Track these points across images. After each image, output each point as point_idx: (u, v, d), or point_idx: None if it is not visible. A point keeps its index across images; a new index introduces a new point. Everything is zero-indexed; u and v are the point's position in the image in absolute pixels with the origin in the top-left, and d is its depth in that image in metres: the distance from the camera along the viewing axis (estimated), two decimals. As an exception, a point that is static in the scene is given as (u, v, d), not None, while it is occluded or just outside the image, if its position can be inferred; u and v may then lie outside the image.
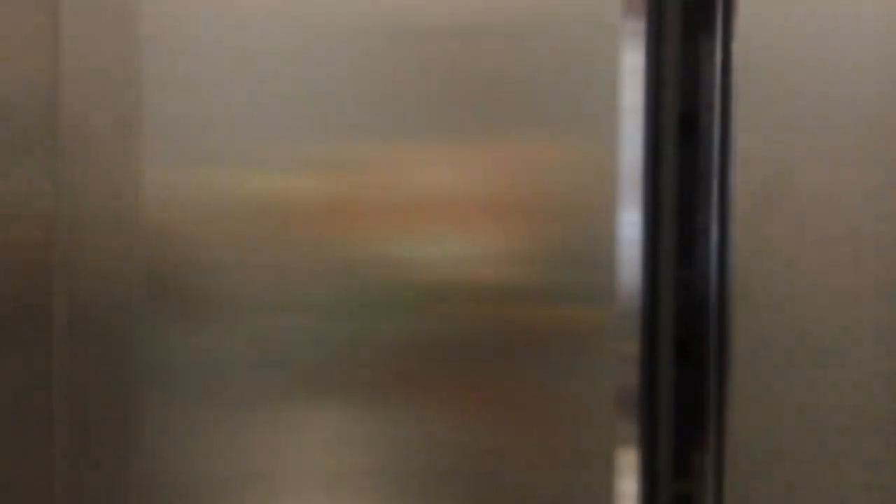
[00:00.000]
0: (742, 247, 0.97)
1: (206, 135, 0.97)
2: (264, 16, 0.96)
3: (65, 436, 0.98)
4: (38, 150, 0.97)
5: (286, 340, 0.98)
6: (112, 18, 0.96)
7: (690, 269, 1.00)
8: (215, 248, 0.97)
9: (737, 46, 0.95)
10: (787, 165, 0.96)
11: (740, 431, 0.98)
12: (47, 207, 0.97)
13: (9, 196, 0.97)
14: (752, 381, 0.98)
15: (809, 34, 0.94)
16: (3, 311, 0.97)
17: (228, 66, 0.96)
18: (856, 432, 0.97)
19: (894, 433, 0.97)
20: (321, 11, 0.95)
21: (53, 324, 0.97)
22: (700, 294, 1.00)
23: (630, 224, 0.96)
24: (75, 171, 0.96)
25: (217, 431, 0.98)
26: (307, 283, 0.97)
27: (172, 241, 0.97)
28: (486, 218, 0.96)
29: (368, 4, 0.95)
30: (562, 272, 0.95)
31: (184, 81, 0.96)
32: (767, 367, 0.98)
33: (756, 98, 0.95)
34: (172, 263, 0.97)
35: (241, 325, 0.98)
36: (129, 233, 0.97)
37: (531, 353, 0.96)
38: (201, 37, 0.96)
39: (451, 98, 0.95)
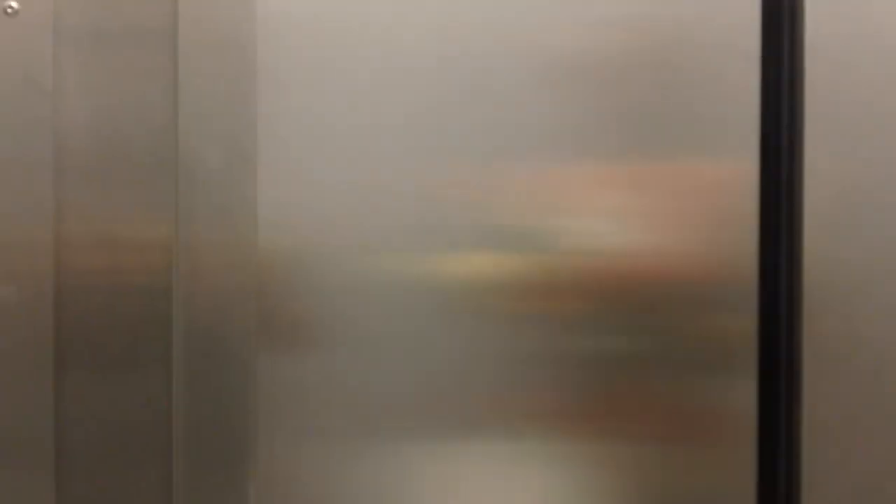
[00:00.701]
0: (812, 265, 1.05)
1: (319, 166, 1.02)
2: (379, 48, 1.02)
3: (182, 457, 1.01)
4: (158, 183, 1.01)
5: (393, 370, 1.03)
6: (228, 55, 1.01)
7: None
8: (328, 277, 1.02)
9: (807, 65, 1.04)
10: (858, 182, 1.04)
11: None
12: (167, 236, 1.01)
13: (132, 225, 1.01)
14: (822, 400, 1.05)
15: (877, 49, 1.03)
16: (125, 334, 1.01)
17: (342, 99, 1.02)
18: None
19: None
20: (454, 43, 1.02)
21: (172, 347, 1.01)
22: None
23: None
24: (194, 202, 1.01)
25: (326, 459, 1.03)
26: (418, 314, 1.03)
27: (286, 270, 1.02)
28: (640, 234, 1.03)
29: (518, 42, 1.02)
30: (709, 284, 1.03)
31: (298, 115, 1.02)
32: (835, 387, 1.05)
33: (826, 115, 1.04)
34: (286, 292, 1.02)
35: (352, 354, 1.02)
36: (244, 262, 1.01)
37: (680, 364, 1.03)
38: (316, 71, 1.02)
39: (604, 125, 1.02)
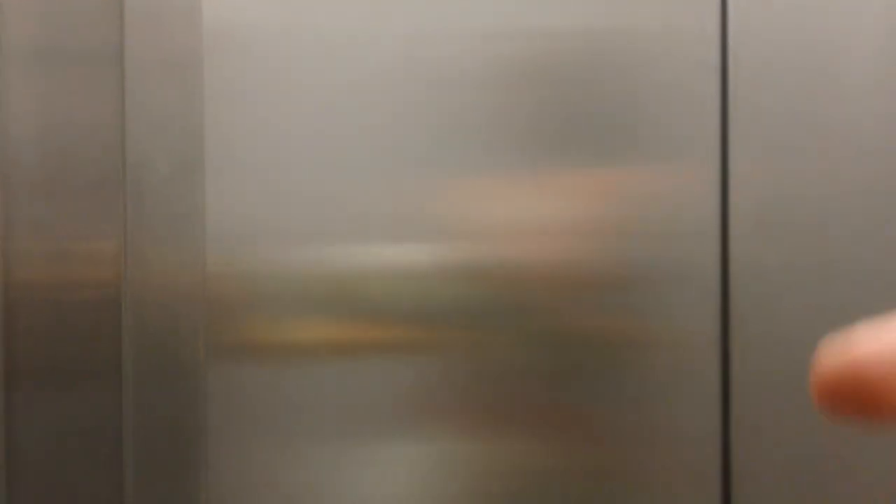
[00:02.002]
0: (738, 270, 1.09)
1: (266, 176, 1.05)
2: (321, 60, 1.05)
3: (132, 466, 1.02)
4: (106, 194, 1.03)
5: (344, 383, 1.05)
6: (175, 68, 1.03)
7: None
8: (275, 286, 1.04)
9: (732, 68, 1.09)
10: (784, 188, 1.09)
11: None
12: (116, 247, 1.03)
13: (80, 237, 1.03)
14: (751, 409, 1.09)
15: (804, 57, 1.08)
16: (74, 345, 1.02)
17: (286, 109, 1.05)
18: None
19: None
20: (416, 53, 1.05)
21: (123, 358, 1.02)
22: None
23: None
24: (142, 212, 1.03)
25: (274, 465, 1.04)
26: (368, 322, 1.05)
27: (234, 279, 1.04)
28: (594, 241, 1.06)
29: (474, 48, 1.06)
30: (668, 291, 1.06)
31: (244, 126, 1.04)
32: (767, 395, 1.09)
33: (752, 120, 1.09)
34: (234, 301, 1.04)
35: (300, 365, 1.04)
36: (194, 271, 1.03)
37: (637, 372, 1.06)
38: (261, 83, 1.05)
39: (564, 132, 1.05)
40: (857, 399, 0.31)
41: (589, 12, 1.07)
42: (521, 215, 1.07)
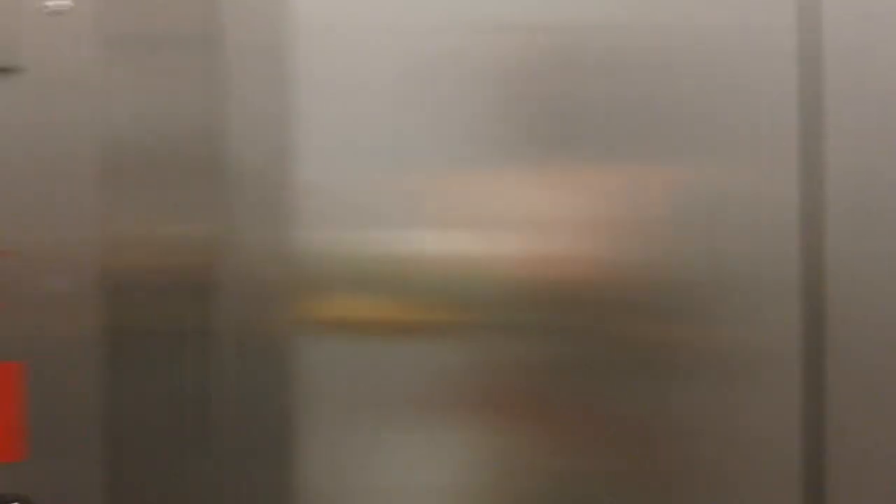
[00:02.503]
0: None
1: (352, 164, 1.06)
2: (403, 56, 1.06)
3: (222, 445, 1.05)
4: (200, 179, 1.05)
5: (428, 362, 1.07)
6: (268, 57, 1.05)
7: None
8: (358, 269, 1.06)
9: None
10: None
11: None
12: (210, 230, 1.05)
13: (176, 221, 1.04)
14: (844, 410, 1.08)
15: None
16: (169, 326, 1.04)
17: (368, 102, 1.06)
18: None
19: None
20: (481, 49, 1.07)
21: (215, 339, 1.04)
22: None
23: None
24: (234, 197, 1.05)
25: (359, 443, 1.06)
26: (453, 304, 1.07)
27: (321, 261, 1.06)
28: (664, 237, 1.07)
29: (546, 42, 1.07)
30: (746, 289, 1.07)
31: (333, 116, 1.06)
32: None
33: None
34: (321, 282, 1.06)
35: (389, 346, 1.06)
36: (283, 253, 1.05)
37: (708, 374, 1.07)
38: (347, 77, 1.06)
39: (637, 126, 1.06)
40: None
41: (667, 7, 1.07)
42: (590, 209, 1.07)
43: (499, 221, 1.07)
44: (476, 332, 1.07)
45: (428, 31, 1.06)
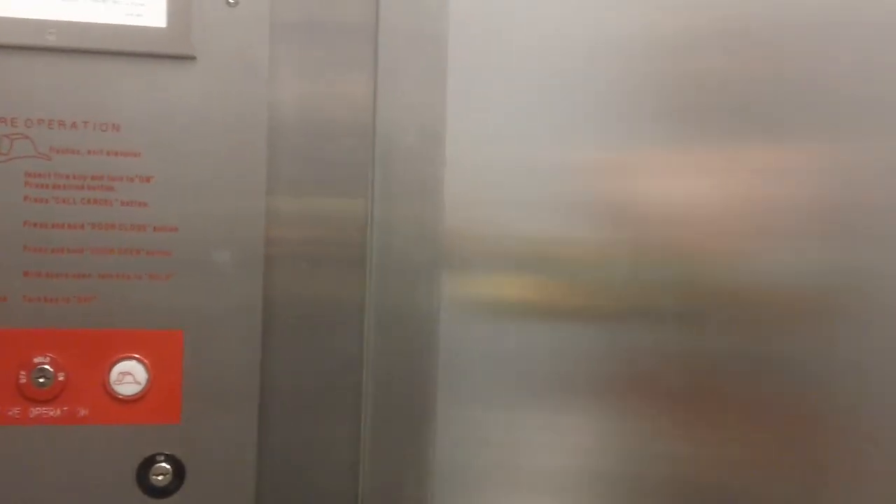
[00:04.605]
0: None
1: (501, 144, 1.12)
2: (546, 46, 1.13)
3: (370, 418, 1.11)
4: (356, 163, 1.11)
5: (573, 348, 1.12)
6: (423, 44, 1.11)
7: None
8: (504, 249, 1.12)
9: None
10: None
11: None
12: (363, 208, 1.11)
13: (331, 201, 1.11)
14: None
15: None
16: (322, 302, 1.10)
17: (517, 85, 1.13)
18: None
19: None
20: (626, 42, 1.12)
21: (365, 315, 1.11)
22: None
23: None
24: (387, 177, 1.11)
25: (500, 420, 1.12)
26: (598, 288, 1.13)
27: (469, 241, 1.12)
28: (808, 227, 1.12)
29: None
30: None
31: (482, 97, 1.12)
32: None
33: None
34: (471, 264, 1.12)
35: (518, 323, 1.12)
36: (433, 234, 1.11)
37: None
38: (497, 60, 1.12)
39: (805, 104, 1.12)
40: None
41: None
42: (756, 194, 1.13)
43: (653, 206, 1.12)
44: (621, 317, 1.12)
45: (585, 12, 1.12)
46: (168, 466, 1.07)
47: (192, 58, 1.07)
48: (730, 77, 1.11)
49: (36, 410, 1.06)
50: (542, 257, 1.12)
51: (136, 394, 1.07)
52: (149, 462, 1.07)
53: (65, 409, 1.06)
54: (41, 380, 1.06)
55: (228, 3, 1.08)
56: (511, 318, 1.12)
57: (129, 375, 1.07)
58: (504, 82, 1.12)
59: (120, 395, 1.07)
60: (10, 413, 1.05)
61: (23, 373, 1.05)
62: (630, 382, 1.12)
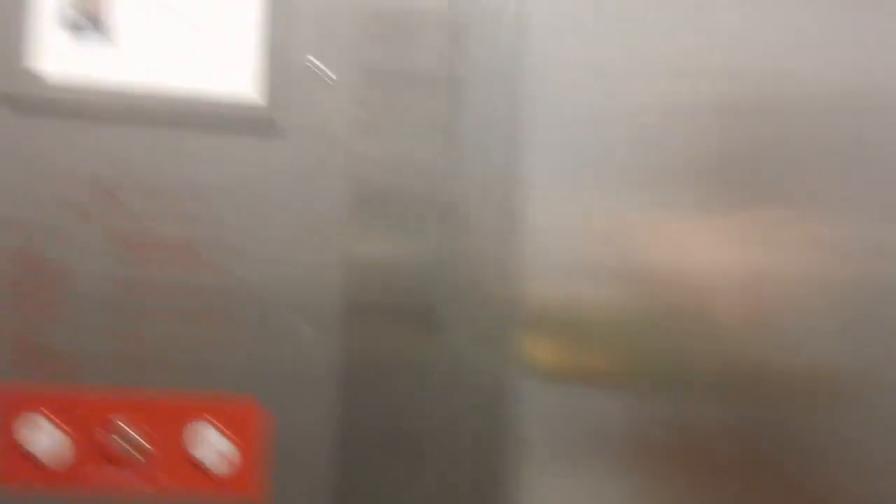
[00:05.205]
0: None
1: (576, 196, 1.13)
2: (619, 89, 1.15)
3: (439, 478, 1.12)
4: (433, 217, 1.13)
5: (641, 413, 1.14)
6: (503, 102, 1.13)
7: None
8: (584, 308, 1.13)
9: None
10: None
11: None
12: (433, 255, 1.12)
13: (399, 258, 1.12)
14: None
15: None
16: (390, 364, 1.12)
17: (597, 132, 1.13)
18: None
19: None
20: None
21: (435, 378, 1.12)
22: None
23: None
24: (465, 239, 1.12)
25: (571, 490, 1.14)
26: (668, 357, 1.14)
27: (547, 307, 1.13)
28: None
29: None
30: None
31: (555, 141, 1.13)
32: None
33: None
34: (547, 319, 1.12)
35: (606, 393, 1.13)
36: (508, 296, 1.12)
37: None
38: (573, 118, 1.14)
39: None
40: None
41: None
42: (815, 265, 1.14)
43: (720, 273, 1.13)
44: (692, 389, 1.15)
45: (658, 73, 1.13)
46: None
47: (284, 132, 1.09)
48: (773, 148, 1.14)
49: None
50: (615, 324, 1.13)
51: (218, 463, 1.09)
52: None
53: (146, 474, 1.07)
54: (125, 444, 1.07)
55: (329, 80, 1.10)
56: (587, 383, 1.12)
57: (207, 441, 1.08)
58: (585, 138, 1.12)
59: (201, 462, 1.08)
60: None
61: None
62: (701, 455, 1.14)
